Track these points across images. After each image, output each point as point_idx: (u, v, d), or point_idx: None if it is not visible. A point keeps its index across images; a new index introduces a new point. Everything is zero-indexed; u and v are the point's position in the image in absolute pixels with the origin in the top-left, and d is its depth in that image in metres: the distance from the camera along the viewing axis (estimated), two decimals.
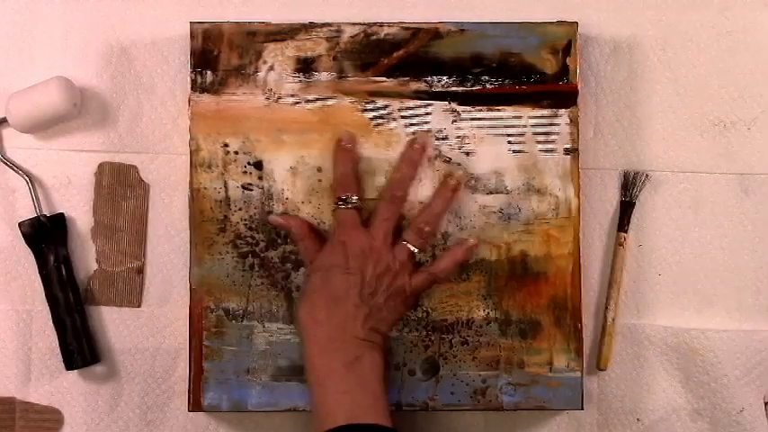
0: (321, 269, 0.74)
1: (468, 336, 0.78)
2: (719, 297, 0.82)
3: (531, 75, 0.78)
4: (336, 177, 0.77)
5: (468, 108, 0.78)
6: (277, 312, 0.78)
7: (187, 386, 0.78)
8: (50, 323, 0.80)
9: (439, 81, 0.78)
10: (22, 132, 0.80)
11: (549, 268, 0.78)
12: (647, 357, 0.82)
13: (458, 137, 0.78)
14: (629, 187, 0.81)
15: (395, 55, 0.78)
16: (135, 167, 0.81)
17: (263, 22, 0.78)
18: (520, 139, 0.78)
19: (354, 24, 0.78)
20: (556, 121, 0.78)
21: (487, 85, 0.78)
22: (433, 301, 0.78)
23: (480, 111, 0.78)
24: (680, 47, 0.82)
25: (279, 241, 0.78)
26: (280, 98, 0.78)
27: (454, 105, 0.78)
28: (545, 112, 0.78)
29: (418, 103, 0.78)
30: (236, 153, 0.78)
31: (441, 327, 0.78)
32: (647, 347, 0.82)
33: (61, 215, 0.81)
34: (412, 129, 0.78)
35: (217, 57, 0.78)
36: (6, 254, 0.81)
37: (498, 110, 0.78)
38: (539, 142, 0.78)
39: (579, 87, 0.78)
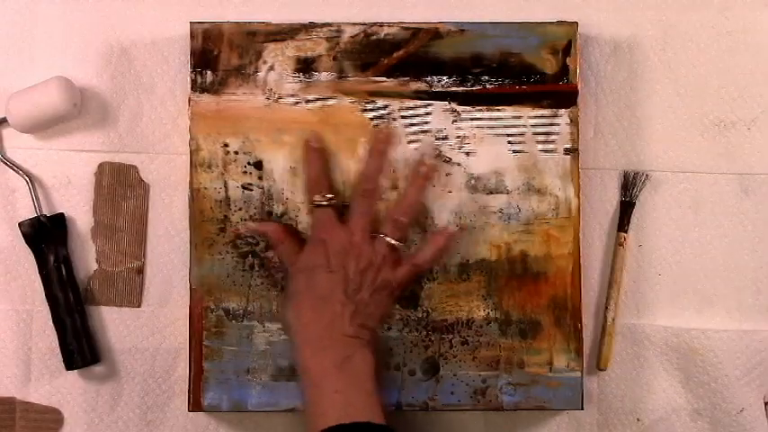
0: (304, 270, 0.74)
1: (468, 336, 0.78)
2: (719, 297, 0.82)
3: (531, 75, 0.78)
4: (308, 178, 0.77)
5: (468, 108, 0.78)
6: (277, 312, 0.78)
7: (187, 386, 0.78)
8: (50, 323, 0.80)
9: (439, 81, 0.78)
10: (22, 132, 0.80)
11: (549, 268, 0.78)
12: (647, 357, 0.82)
13: (458, 137, 0.78)
14: (629, 187, 0.81)
15: (395, 55, 0.78)
16: (135, 167, 0.81)
17: (263, 22, 0.78)
18: (520, 139, 0.78)
19: (354, 24, 0.78)
20: (556, 121, 0.78)
21: (487, 85, 0.78)
22: (433, 301, 0.78)
23: (480, 111, 0.78)
24: (680, 47, 0.82)
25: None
26: (280, 98, 0.78)
27: (454, 105, 0.78)
28: (545, 112, 0.78)
29: (418, 103, 0.78)
30: (236, 153, 0.78)
31: (441, 327, 0.78)
32: (647, 347, 0.82)
33: (61, 215, 0.81)
34: (412, 129, 0.78)
35: (217, 57, 0.78)
36: (6, 254, 0.81)
37: (498, 110, 0.78)
38: (539, 142, 0.78)
39: (579, 87, 0.78)
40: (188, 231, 0.78)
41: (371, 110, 0.78)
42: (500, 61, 0.78)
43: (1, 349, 0.81)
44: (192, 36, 0.78)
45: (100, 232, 0.81)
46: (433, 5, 0.82)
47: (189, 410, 0.78)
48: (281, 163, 0.78)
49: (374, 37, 0.78)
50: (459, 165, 0.78)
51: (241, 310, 0.78)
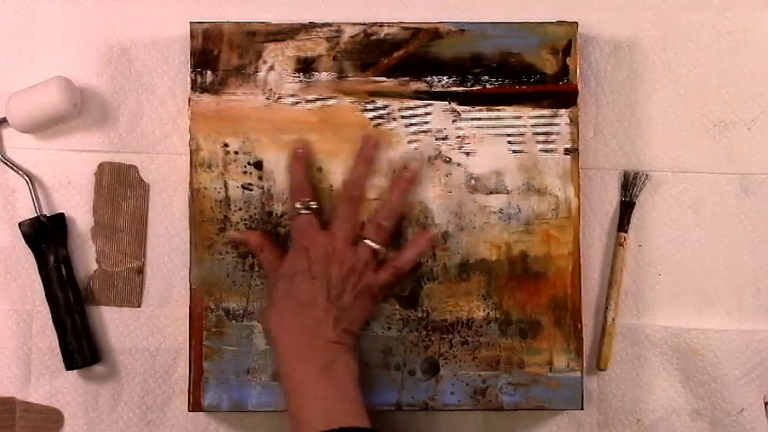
0: (285, 277, 0.74)
1: (468, 336, 0.78)
2: (719, 297, 0.82)
3: (531, 75, 0.78)
4: (291, 184, 0.77)
5: (468, 108, 0.78)
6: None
7: (187, 386, 0.78)
8: (50, 323, 0.80)
9: (439, 81, 0.78)
10: (22, 132, 0.80)
11: (549, 268, 0.78)
12: (647, 357, 0.82)
13: (458, 137, 0.78)
14: (629, 187, 0.81)
15: (395, 55, 0.78)
16: (135, 167, 0.81)
17: (263, 22, 0.78)
18: (520, 139, 0.78)
19: (354, 24, 0.78)
20: (556, 121, 0.78)
21: (487, 85, 0.78)
22: (433, 301, 0.78)
23: (480, 111, 0.78)
24: (680, 47, 0.82)
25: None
26: (280, 98, 0.78)
27: (454, 105, 0.78)
28: (545, 112, 0.78)
29: (418, 103, 0.78)
30: (236, 153, 0.78)
31: (441, 327, 0.78)
32: (647, 347, 0.82)
33: (61, 215, 0.81)
34: (412, 129, 0.78)
35: (217, 57, 0.78)
36: (6, 254, 0.81)
37: (498, 110, 0.78)
38: (539, 142, 0.78)
39: (579, 87, 0.78)
40: (188, 231, 0.78)
41: (371, 110, 0.78)
42: (500, 61, 0.78)
43: (1, 349, 0.81)
44: (192, 36, 0.78)
45: (100, 232, 0.81)
46: (433, 5, 0.82)
47: (189, 410, 0.78)
48: (281, 163, 0.78)
49: (374, 37, 0.78)
50: (459, 165, 0.78)
51: (241, 310, 0.78)
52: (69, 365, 0.80)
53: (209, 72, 0.78)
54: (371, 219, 0.77)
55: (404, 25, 0.78)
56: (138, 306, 0.81)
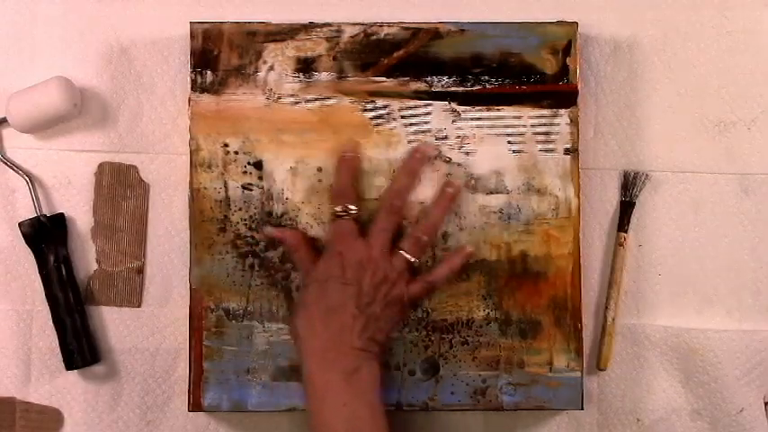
0: (318, 280, 0.74)
1: (468, 336, 0.78)
2: (719, 297, 0.82)
3: (531, 75, 0.78)
4: (336, 187, 0.77)
5: (468, 108, 0.78)
6: (277, 312, 0.78)
7: (187, 386, 0.78)
8: (50, 323, 0.80)
9: (439, 81, 0.78)
10: (22, 132, 0.80)
11: (549, 268, 0.78)
12: (647, 357, 0.82)
13: (458, 137, 0.78)
14: (629, 187, 0.81)
15: (395, 55, 0.78)
16: (135, 167, 0.81)
17: (263, 22, 0.78)
18: (520, 139, 0.78)
19: (354, 24, 0.78)
20: (556, 121, 0.78)
21: (487, 85, 0.78)
22: (433, 301, 0.78)
23: (480, 111, 0.78)
24: (680, 47, 0.82)
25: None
26: (280, 98, 0.78)
27: (454, 105, 0.78)
28: (545, 112, 0.78)
29: (418, 103, 0.78)
30: (236, 153, 0.78)
31: (441, 327, 0.78)
32: (647, 347, 0.82)
33: (61, 215, 0.81)
34: (412, 129, 0.78)
35: (217, 57, 0.78)
36: (6, 254, 0.81)
37: (498, 110, 0.78)
38: (539, 142, 0.78)
39: (579, 87, 0.78)
40: (188, 231, 0.78)
41: (371, 110, 0.78)
42: (500, 61, 0.78)
43: (1, 349, 0.81)
44: (192, 36, 0.78)
45: (100, 232, 0.81)
46: (433, 5, 0.82)
47: (189, 410, 0.78)
48: (281, 163, 0.78)
49: (374, 37, 0.78)
50: (459, 165, 0.78)
51: (241, 310, 0.78)
52: (69, 365, 0.80)
53: (209, 72, 0.78)
54: (410, 231, 0.77)
55: (404, 25, 0.78)
56: (138, 306, 0.81)
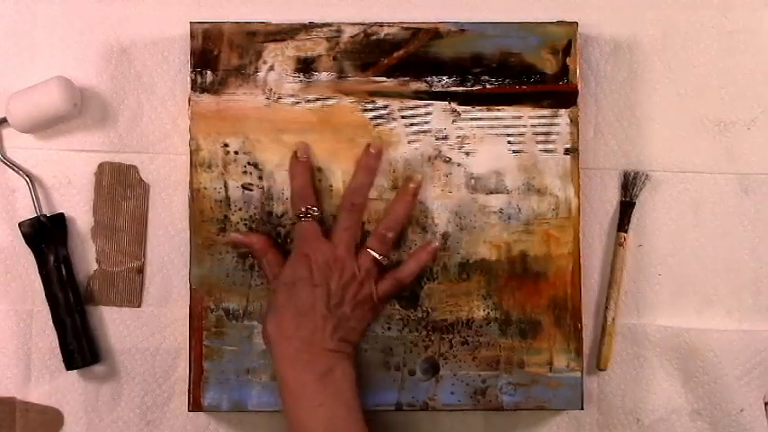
0: (286, 283, 0.74)
1: (468, 336, 0.78)
2: (719, 297, 0.82)
3: (531, 75, 0.78)
4: (294, 191, 0.77)
5: (468, 108, 0.78)
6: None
7: (187, 386, 0.78)
8: (50, 323, 0.80)
9: (439, 81, 0.78)
10: (22, 132, 0.80)
11: (549, 268, 0.78)
12: (647, 357, 0.82)
13: (458, 137, 0.78)
14: (629, 187, 0.81)
15: (395, 55, 0.78)
16: (135, 167, 0.81)
17: (263, 22, 0.78)
18: (520, 139, 0.78)
19: (354, 24, 0.78)
20: (556, 121, 0.78)
21: (487, 85, 0.78)
22: (433, 301, 0.78)
23: (480, 111, 0.78)
24: (680, 47, 0.82)
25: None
26: (280, 98, 0.78)
27: (454, 105, 0.78)
28: (545, 112, 0.78)
29: (418, 103, 0.78)
30: (236, 153, 0.78)
31: (441, 327, 0.78)
32: (647, 347, 0.82)
33: (61, 215, 0.81)
34: (412, 129, 0.78)
35: (217, 57, 0.78)
36: (6, 254, 0.81)
37: (498, 110, 0.78)
38: (539, 142, 0.78)
39: (579, 87, 0.78)
40: (188, 231, 0.78)
41: (371, 110, 0.78)
42: (500, 61, 0.78)
43: (1, 349, 0.81)
44: (192, 36, 0.78)
45: (100, 232, 0.81)
46: (433, 5, 0.82)
47: (189, 410, 0.78)
48: (282, 163, 0.78)
49: (374, 37, 0.78)
50: (459, 165, 0.78)
51: (241, 310, 0.78)
52: (69, 365, 0.80)
53: (209, 72, 0.78)
54: (375, 229, 0.77)
55: (404, 25, 0.78)
56: (138, 306, 0.81)
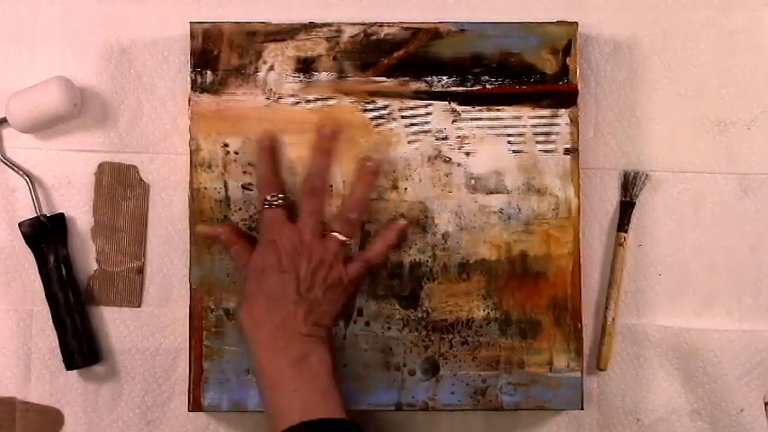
0: (255, 271, 0.74)
1: (468, 336, 0.78)
2: (719, 297, 0.82)
3: (531, 75, 0.78)
4: (258, 178, 0.77)
5: (468, 108, 0.78)
6: None
7: (187, 386, 0.78)
8: (50, 323, 0.80)
9: (439, 81, 0.78)
10: (22, 132, 0.80)
11: (549, 268, 0.78)
12: (647, 357, 0.82)
13: (458, 137, 0.78)
14: (629, 187, 0.81)
15: (395, 55, 0.78)
16: (135, 167, 0.81)
17: (263, 22, 0.78)
18: (520, 139, 0.78)
19: (354, 24, 0.78)
20: (556, 121, 0.78)
21: (487, 85, 0.78)
22: (433, 301, 0.78)
23: (480, 111, 0.78)
24: (680, 47, 0.82)
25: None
26: (280, 98, 0.78)
27: (454, 105, 0.78)
28: (545, 112, 0.78)
29: (418, 103, 0.78)
30: (236, 153, 0.78)
31: (441, 327, 0.78)
32: (647, 347, 0.82)
33: (61, 215, 0.81)
34: (412, 129, 0.78)
35: (217, 57, 0.78)
36: (6, 254, 0.81)
37: (498, 110, 0.78)
38: (539, 142, 0.78)
39: (579, 87, 0.78)
40: (188, 231, 0.78)
41: (371, 110, 0.78)
42: (500, 61, 0.78)
43: (1, 349, 0.81)
44: (192, 36, 0.78)
45: (100, 232, 0.81)
46: (433, 5, 0.82)
47: (189, 410, 0.78)
48: (281, 163, 0.78)
49: (374, 37, 0.78)
50: (459, 165, 0.78)
51: None
52: (69, 365, 0.80)
53: (209, 72, 0.78)
54: (338, 211, 0.77)
55: (404, 25, 0.78)
56: (138, 306, 0.81)
